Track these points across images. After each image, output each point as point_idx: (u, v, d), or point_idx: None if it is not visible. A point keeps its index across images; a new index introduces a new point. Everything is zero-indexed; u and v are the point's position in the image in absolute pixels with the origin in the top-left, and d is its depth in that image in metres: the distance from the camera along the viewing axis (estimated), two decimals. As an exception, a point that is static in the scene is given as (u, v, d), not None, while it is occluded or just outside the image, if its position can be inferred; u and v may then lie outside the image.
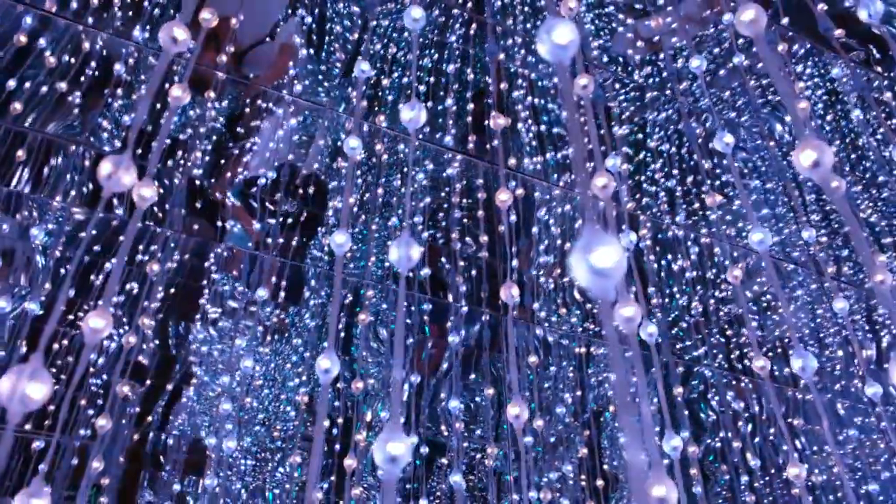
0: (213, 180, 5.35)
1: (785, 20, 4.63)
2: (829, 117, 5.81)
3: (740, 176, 6.42)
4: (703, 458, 7.01)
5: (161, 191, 4.82)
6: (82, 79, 4.54)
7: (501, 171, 2.50)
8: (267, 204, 4.68)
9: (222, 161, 5.31)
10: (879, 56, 5.21)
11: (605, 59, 5.94)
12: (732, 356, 6.25)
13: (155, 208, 4.84)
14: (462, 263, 5.46)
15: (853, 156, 5.80)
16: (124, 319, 4.65)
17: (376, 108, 5.28)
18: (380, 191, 4.91)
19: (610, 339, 0.91)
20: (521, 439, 2.11)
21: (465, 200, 4.96)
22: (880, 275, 2.46)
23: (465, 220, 5.49)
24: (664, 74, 5.81)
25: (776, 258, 5.72)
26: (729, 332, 6.11)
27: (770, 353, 6.09)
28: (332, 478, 5.50)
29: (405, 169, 5.45)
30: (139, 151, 3.97)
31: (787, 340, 6.40)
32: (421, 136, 4.91)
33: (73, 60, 4.40)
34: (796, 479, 2.62)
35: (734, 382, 6.32)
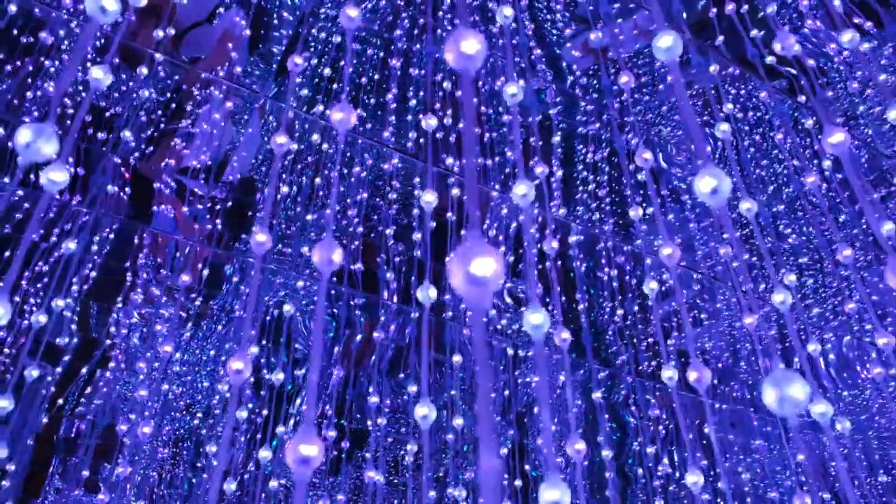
0: (145, 162, 5.21)
1: (720, 39, 4.77)
2: (757, 138, 6.04)
3: (673, 191, 6.61)
4: (624, 460, 7.21)
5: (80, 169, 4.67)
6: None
7: (430, 172, 2.52)
8: (198, 190, 4.59)
9: (156, 143, 5.18)
10: (806, 85, 5.44)
11: (545, 67, 6.02)
12: (653, 363, 6.44)
13: (81, 185, 4.69)
14: (397, 259, 5.46)
15: (772, 180, 6.04)
16: (38, 298, 4.49)
17: (316, 89, 5.20)
18: (318, 180, 4.86)
19: (476, 344, 0.94)
20: (427, 439, 2.14)
21: (426, 197, 4.94)
22: (781, 295, 2.58)
23: (401, 217, 5.50)
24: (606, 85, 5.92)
25: (699, 272, 5.93)
26: (651, 341, 6.30)
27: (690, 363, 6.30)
28: (252, 468, 5.43)
29: (344, 160, 5.41)
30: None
31: (706, 351, 6.64)
32: (360, 131, 4.89)
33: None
34: (694, 486, 2.74)
35: (657, 388, 6.51)
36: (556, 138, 5.58)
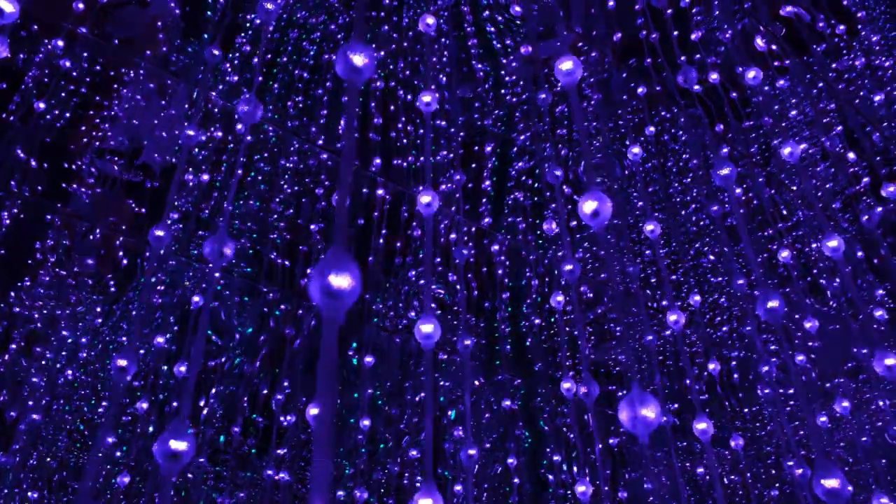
0: (61, 138, 5.01)
1: (647, 61, 4.91)
2: (682, 159, 6.25)
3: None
4: (539, 467, 7.33)
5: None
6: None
7: (346, 171, 2.51)
8: (114, 173, 4.45)
9: (74, 120, 4.99)
10: (728, 113, 5.66)
11: (485, 75, 6.09)
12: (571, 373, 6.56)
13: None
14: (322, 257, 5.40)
15: (694, 201, 6.27)
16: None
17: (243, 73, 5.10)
18: (239, 172, 4.77)
19: (324, 356, 0.96)
20: (322, 440, 2.14)
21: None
22: (674, 315, 2.68)
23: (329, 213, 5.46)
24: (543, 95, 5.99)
25: (614, 287, 6.08)
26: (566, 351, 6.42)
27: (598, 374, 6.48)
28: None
29: (272, 153, 5.34)
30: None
31: (620, 363, 6.83)
32: (287, 124, 4.84)
33: None
34: (582, 495, 2.82)
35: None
36: (488, 148, 5.66)
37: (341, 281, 1.02)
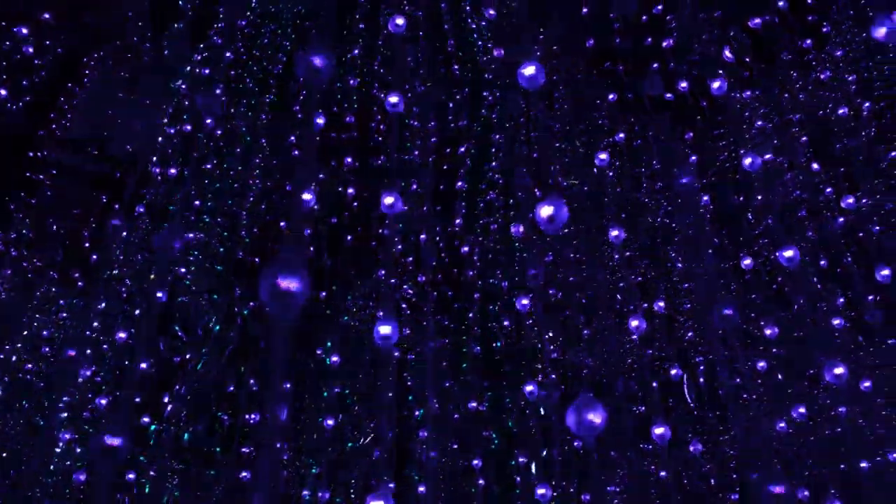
0: (28, 130, 4.91)
1: (620, 68, 4.95)
2: (651, 166, 6.31)
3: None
4: (507, 469, 7.34)
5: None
6: None
7: (313, 170, 2.52)
8: (79, 164, 4.38)
9: (41, 111, 4.89)
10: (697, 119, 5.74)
11: (463, 76, 6.09)
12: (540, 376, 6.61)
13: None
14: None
15: (664, 207, 6.33)
16: None
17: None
18: (208, 166, 4.74)
19: (275, 355, 0.96)
20: (277, 437, 2.14)
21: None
22: (636, 321, 2.70)
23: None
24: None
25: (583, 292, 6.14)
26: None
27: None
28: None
29: (246, 149, 5.29)
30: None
31: (587, 367, 6.88)
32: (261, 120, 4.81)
33: None
34: (542, 497, 2.84)
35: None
36: (462, 149, 5.67)
37: (290, 282, 1.03)
